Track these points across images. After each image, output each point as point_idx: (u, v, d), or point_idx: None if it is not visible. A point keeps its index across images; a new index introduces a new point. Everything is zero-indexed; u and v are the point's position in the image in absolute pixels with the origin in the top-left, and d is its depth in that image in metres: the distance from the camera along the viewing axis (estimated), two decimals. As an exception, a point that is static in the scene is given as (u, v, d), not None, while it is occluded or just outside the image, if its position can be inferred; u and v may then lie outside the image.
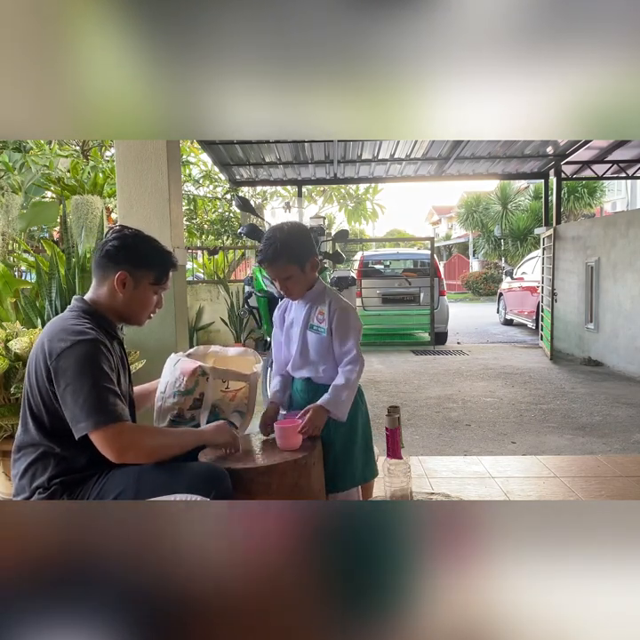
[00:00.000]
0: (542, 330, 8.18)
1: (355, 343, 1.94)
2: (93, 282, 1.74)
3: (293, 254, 1.89)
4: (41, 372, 1.58)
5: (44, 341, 1.60)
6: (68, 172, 7.51)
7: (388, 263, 10.51)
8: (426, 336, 9.02)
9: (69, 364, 1.54)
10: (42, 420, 1.60)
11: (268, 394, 4.53)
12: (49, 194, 7.61)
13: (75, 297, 1.76)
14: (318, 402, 1.88)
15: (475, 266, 27.21)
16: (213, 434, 1.76)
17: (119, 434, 1.53)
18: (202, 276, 10.63)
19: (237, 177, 9.17)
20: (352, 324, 1.96)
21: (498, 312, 12.72)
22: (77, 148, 8.39)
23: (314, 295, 1.98)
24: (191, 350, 2.05)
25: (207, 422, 1.86)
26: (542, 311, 8.24)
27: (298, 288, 1.94)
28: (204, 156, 9.97)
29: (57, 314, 3.12)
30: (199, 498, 1.51)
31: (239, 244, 11.04)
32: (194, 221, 11.24)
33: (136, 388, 1.96)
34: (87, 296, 1.75)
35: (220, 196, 11.50)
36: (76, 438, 1.53)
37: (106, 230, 1.80)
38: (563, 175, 8.71)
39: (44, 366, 1.57)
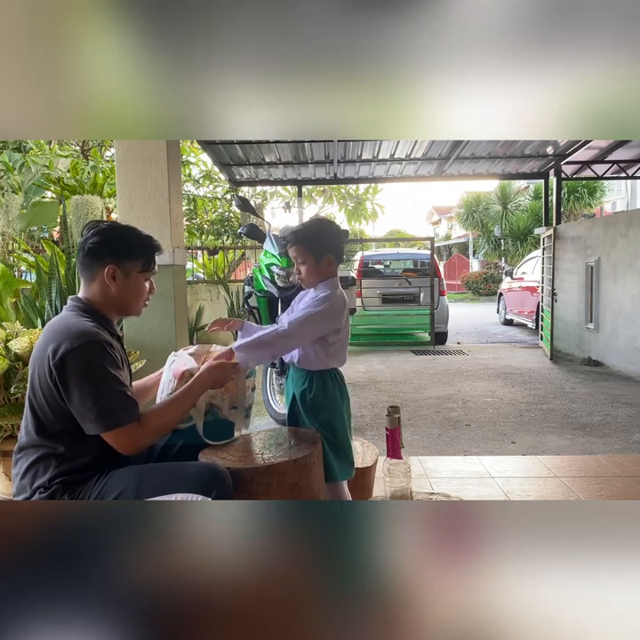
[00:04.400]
0: (542, 330, 8.18)
1: (299, 322, 1.90)
2: (82, 282, 1.73)
3: (312, 245, 2.03)
4: (44, 373, 1.58)
5: (47, 342, 1.60)
6: (68, 172, 7.51)
7: (388, 263, 10.51)
8: (426, 336, 9.01)
9: (75, 365, 1.54)
10: (44, 421, 1.60)
11: (268, 395, 4.53)
12: (49, 194, 7.61)
13: (70, 297, 1.76)
14: (235, 342, 1.93)
15: (475, 266, 27.21)
16: (211, 376, 1.77)
17: (128, 434, 1.59)
18: (202, 275, 10.63)
19: (237, 177, 9.17)
20: (314, 311, 1.93)
21: (498, 312, 12.72)
22: (77, 148, 8.39)
23: (322, 286, 2.06)
24: (192, 349, 2.02)
25: (204, 422, 1.86)
26: (542, 311, 8.24)
27: (309, 276, 2.05)
28: (204, 156, 9.97)
29: (57, 314, 3.12)
30: (200, 498, 1.51)
31: (239, 244, 11.04)
32: (194, 221, 11.24)
33: (135, 384, 1.98)
34: (81, 295, 1.74)
35: (220, 196, 11.50)
36: (87, 434, 1.58)
37: (81, 229, 1.77)
38: (563, 175, 8.70)
39: (48, 367, 1.56)
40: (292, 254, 2.06)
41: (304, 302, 2.10)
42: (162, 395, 1.89)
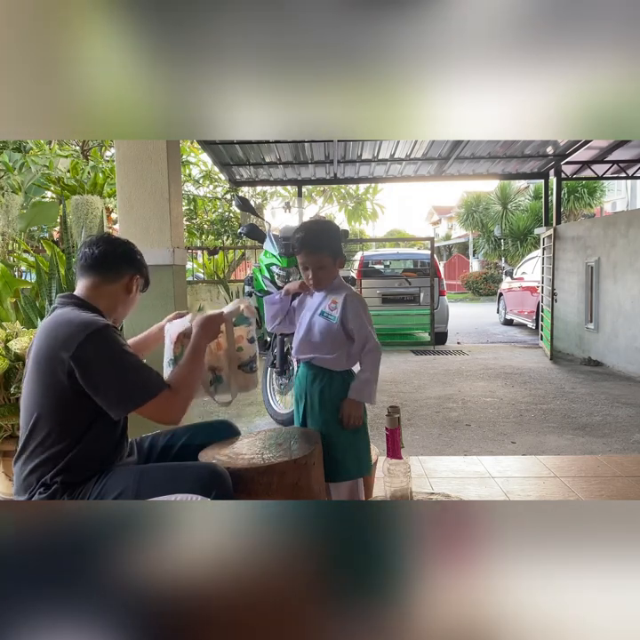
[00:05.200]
0: (542, 330, 8.17)
1: (371, 331, 2.03)
2: (93, 279, 1.73)
3: (331, 247, 2.04)
4: (52, 371, 1.56)
5: (51, 340, 1.58)
6: (68, 172, 7.52)
7: (388, 263, 10.50)
8: (426, 336, 9.01)
9: (94, 352, 1.55)
10: (44, 422, 1.60)
11: (268, 395, 4.52)
12: (49, 194, 7.61)
13: (62, 295, 1.75)
14: (348, 395, 2.00)
15: (475, 266, 27.21)
16: (205, 329, 1.85)
17: (164, 402, 1.61)
18: (202, 275, 10.63)
19: (237, 177, 9.16)
20: (366, 314, 2.05)
21: (498, 312, 12.72)
22: (77, 148, 8.39)
23: (331, 287, 2.09)
24: (189, 316, 2.00)
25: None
26: (542, 311, 8.24)
27: (326, 279, 2.06)
28: (204, 156, 9.96)
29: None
30: (199, 498, 1.51)
31: (239, 244, 11.04)
32: (194, 221, 11.24)
33: (132, 341, 2.09)
34: (79, 294, 1.74)
35: (219, 196, 11.50)
36: (117, 418, 1.62)
37: (99, 234, 1.84)
38: (563, 175, 8.70)
39: (61, 362, 1.55)
40: (308, 261, 2.02)
41: (311, 301, 2.10)
42: (166, 360, 1.95)
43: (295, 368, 4.06)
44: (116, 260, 1.76)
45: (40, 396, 1.60)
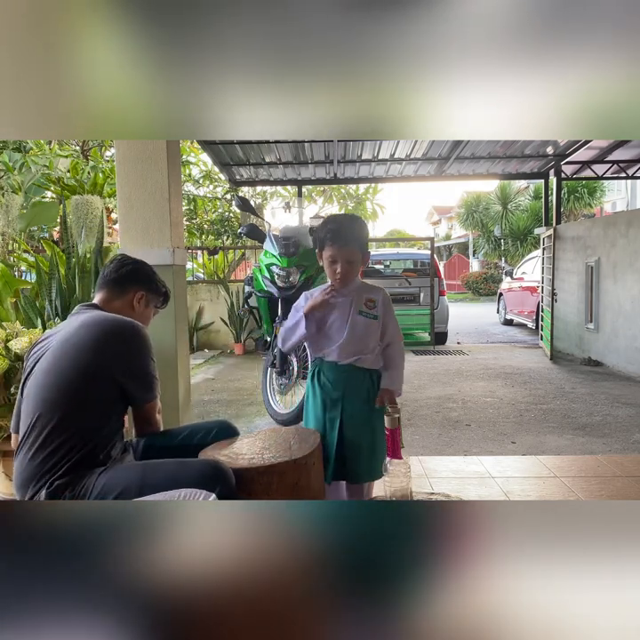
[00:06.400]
0: (542, 330, 8.18)
1: (399, 327, 2.17)
2: (105, 293, 1.95)
3: (360, 242, 2.04)
4: (95, 360, 1.68)
5: (96, 331, 1.72)
6: (68, 171, 7.52)
7: (388, 263, 10.49)
8: (426, 336, 9.01)
9: (141, 344, 1.78)
10: (55, 412, 1.62)
11: (268, 395, 4.51)
12: (49, 194, 7.62)
13: (84, 304, 1.92)
14: (384, 385, 2.12)
15: (475, 266, 27.21)
16: None
17: (156, 404, 1.87)
18: (202, 275, 10.64)
19: (237, 177, 9.16)
20: (393, 311, 2.16)
21: (498, 312, 12.72)
22: (77, 148, 8.39)
23: (355, 285, 2.11)
24: None
25: None
26: (542, 311, 8.24)
27: (352, 274, 2.06)
28: (204, 156, 9.96)
29: (57, 314, 3.12)
30: (204, 493, 1.52)
31: (239, 244, 11.04)
32: (194, 221, 11.24)
33: None
34: (98, 303, 1.93)
35: (219, 196, 11.50)
36: (140, 403, 1.82)
37: (112, 256, 2.12)
38: (563, 175, 8.70)
39: (105, 350, 1.69)
40: (339, 255, 1.97)
41: (342, 307, 2.06)
42: None
43: (295, 368, 4.06)
44: (121, 278, 1.96)
45: (58, 388, 1.64)
